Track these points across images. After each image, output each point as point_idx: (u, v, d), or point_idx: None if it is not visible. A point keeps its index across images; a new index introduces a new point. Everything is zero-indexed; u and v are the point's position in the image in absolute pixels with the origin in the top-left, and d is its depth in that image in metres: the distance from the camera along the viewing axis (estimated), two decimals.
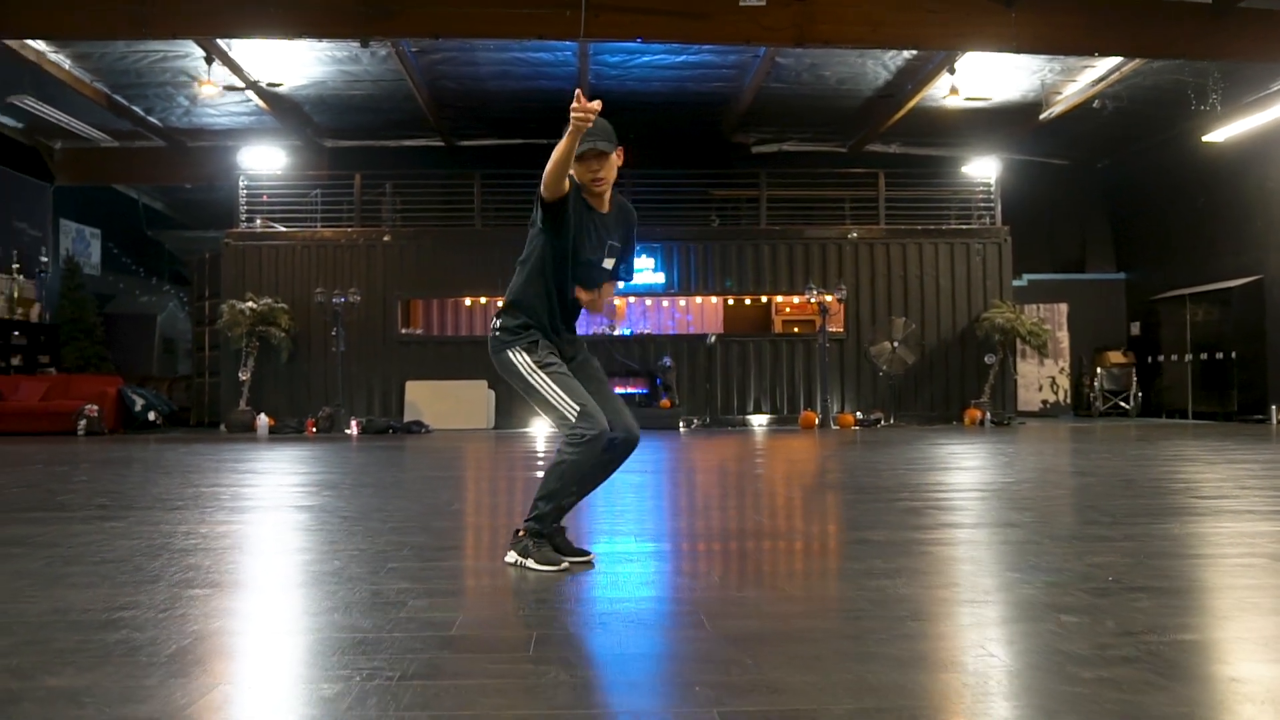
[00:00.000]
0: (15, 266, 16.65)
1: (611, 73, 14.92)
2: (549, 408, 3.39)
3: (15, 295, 16.63)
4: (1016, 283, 17.64)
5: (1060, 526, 4.35)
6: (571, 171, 3.36)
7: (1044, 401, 18.23)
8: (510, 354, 3.44)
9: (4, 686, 2.11)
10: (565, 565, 3.36)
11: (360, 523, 4.61)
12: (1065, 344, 18.31)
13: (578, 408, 3.32)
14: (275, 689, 2.14)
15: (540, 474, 3.42)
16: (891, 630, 2.52)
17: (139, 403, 14.57)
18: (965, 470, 7.40)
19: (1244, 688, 2.03)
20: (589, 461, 3.36)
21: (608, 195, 3.53)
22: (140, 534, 4.25)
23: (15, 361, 16.17)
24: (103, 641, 2.46)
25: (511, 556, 3.45)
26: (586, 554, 3.52)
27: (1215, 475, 6.64)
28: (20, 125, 16.56)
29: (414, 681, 2.11)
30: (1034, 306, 17.82)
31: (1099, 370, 17.74)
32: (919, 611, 2.75)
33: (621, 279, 3.72)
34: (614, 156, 3.46)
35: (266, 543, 4.18)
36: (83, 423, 13.57)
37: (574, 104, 3.09)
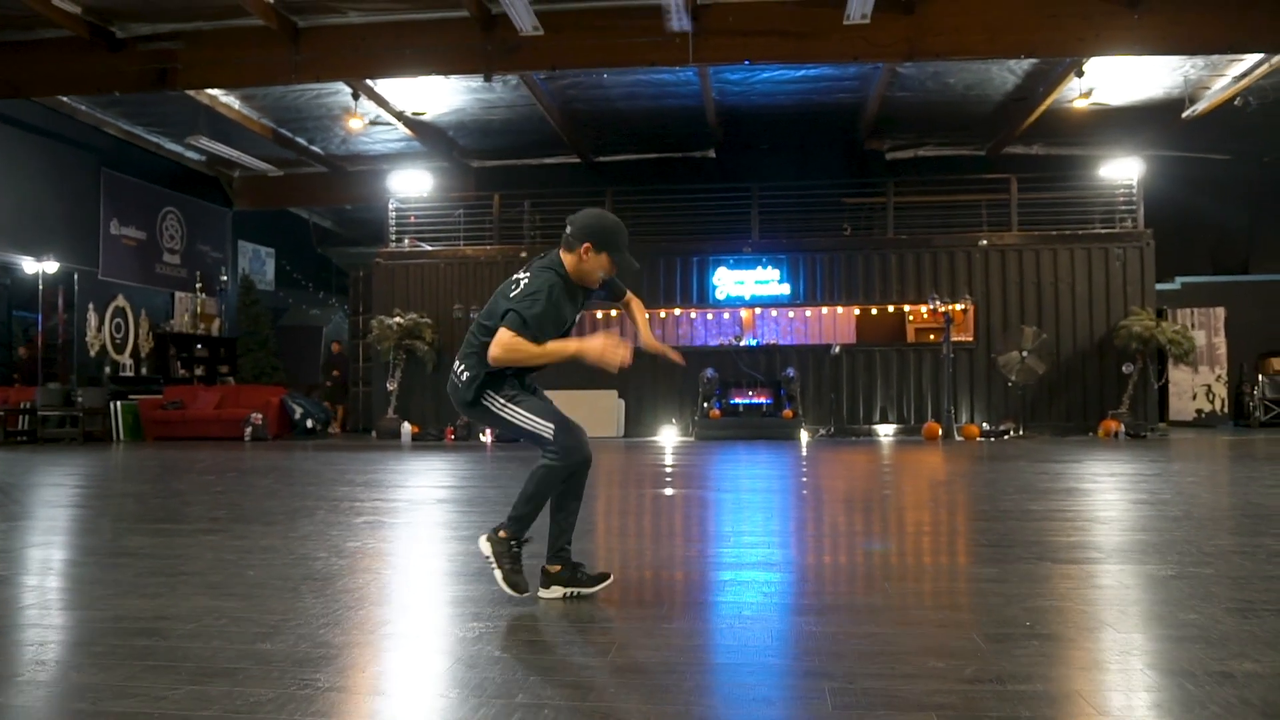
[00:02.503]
0: (198, 285, 18.46)
1: (735, 89, 15.26)
2: (526, 432, 3.69)
3: (199, 311, 18.45)
4: (1169, 286, 16.91)
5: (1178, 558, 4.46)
6: (585, 255, 3.64)
7: (1199, 411, 17.37)
8: (484, 402, 3.72)
9: (35, 677, 2.73)
10: (527, 592, 3.65)
11: (423, 542, 5.18)
12: (1223, 350, 17.37)
13: (552, 425, 3.64)
14: (234, 695, 2.67)
15: (524, 482, 3.70)
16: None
17: (298, 411, 15.94)
18: (1042, 495, 7.38)
19: None
20: (567, 468, 3.64)
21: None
22: (225, 548, 4.96)
23: (199, 372, 17.95)
24: (132, 646, 3.07)
25: (486, 549, 3.70)
26: (607, 576, 3.82)
27: None
28: (202, 159, 18.35)
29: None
30: (1186, 311, 17.02)
31: (1260, 378, 16.76)
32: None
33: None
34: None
35: (320, 562, 4.79)
36: (249, 429, 14.99)
37: (614, 351, 3.58)
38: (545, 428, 3.64)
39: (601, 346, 3.58)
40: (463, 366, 3.77)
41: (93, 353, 15.96)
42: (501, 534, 3.70)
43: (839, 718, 2.39)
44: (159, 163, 17.75)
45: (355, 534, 5.53)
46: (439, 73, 12.78)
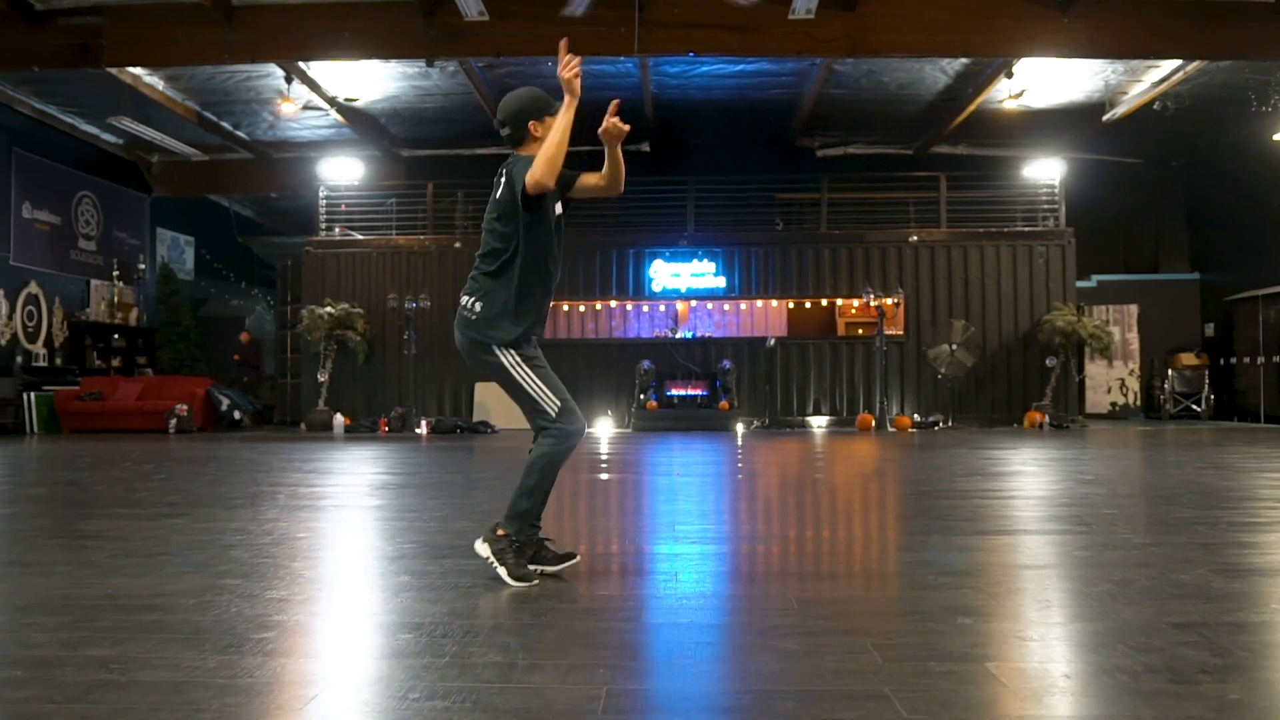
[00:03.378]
0: (115, 274, 17.80)
1: (673, 83, 15.31)
2: (530, 402, 3.50)
3: (116, 300, 17.79)
4: (1086, 284, 17.50)
5: (1105, 535, 4.59)
6: (537, 129, 3.57)
7: (1113, 404, 18.05)
8: (497, 352, 3.51)
9: (54, 654, 2.61)
10: (536, 580, 3.48)
11: (392, 522, 5.10)
12: (1135, 346, 18.09)
13: (559, 403, 3.49)
14: (268, 664, 2.60)
15: (522, 474, 3.53)
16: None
17: (225, 403, 15.49)
18: (996, 477, 7.59)
19: None
20: (566, 454, 3.52)
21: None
22: (195, 530, 4.81)
23: (115, 363, 17.31)
24: (140, 621, 2.96)
25: (485, 551, 3.51)
26: (573, 556, 3.69)
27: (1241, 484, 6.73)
28: (120, 141, 17.69)
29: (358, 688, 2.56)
30: (1103, 308, 17.66)
31: (1170, 372, 17.49)
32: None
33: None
34: None
35: (303, 540, 4.68)
36: (173, 421, 14.52)
37: (611, 119, 3.46)
38: (552, 405, 3.49)
39: (568, 81, 3.40)
40: (473, 299, 3.56)
41: (3, 341, 15.27)
42: (500, 532, 3.52)
43: (891, 670, 2.43)
44: (74, 145, 17.05)
45: (325, 516, 5.42)
46: (379, 57, 12.55)
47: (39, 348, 15.99)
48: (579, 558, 3.74)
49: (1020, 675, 2.38)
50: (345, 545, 4.54)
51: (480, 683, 2.35)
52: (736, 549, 4.34)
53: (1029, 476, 7.54)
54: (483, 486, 7.04)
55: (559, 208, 3.64)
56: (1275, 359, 15.82)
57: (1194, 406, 17.21)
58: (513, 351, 3.50)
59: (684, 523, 5.15)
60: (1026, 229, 16.56)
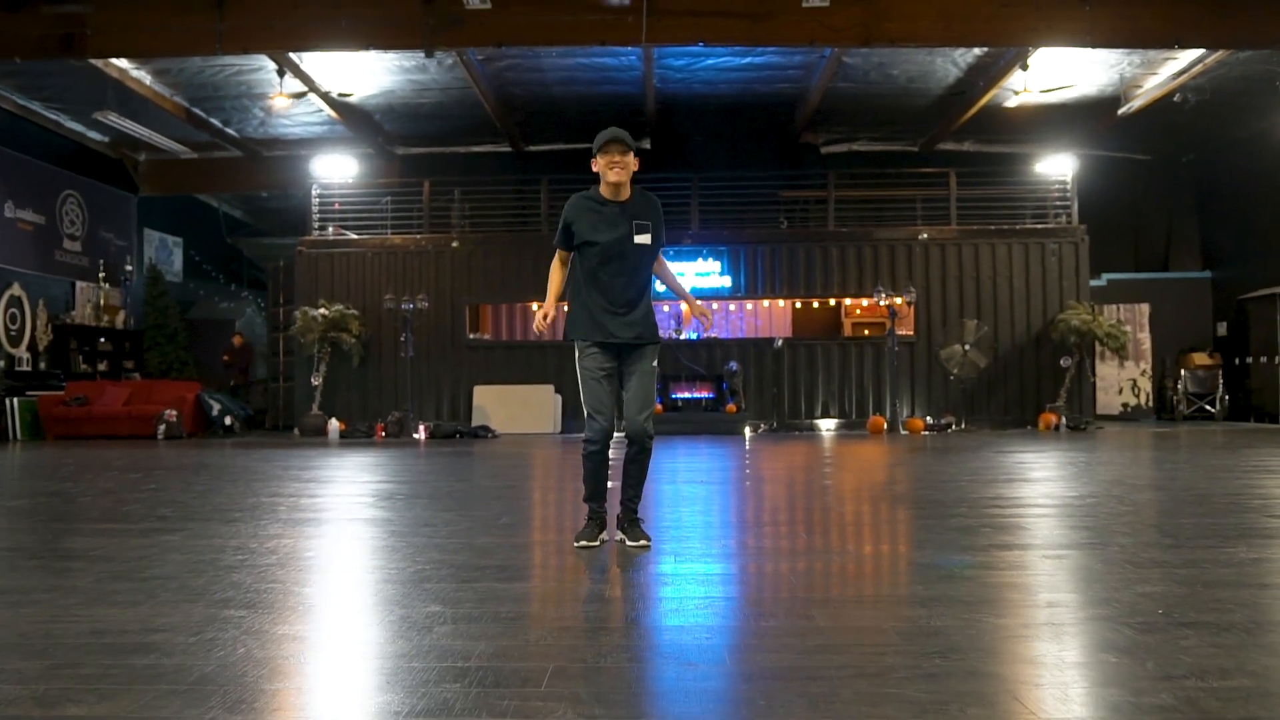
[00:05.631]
0: (101, 275, 17.26)
1: (677, 76, 14.88)
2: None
3: (102, 303, 17.25)
4: (1096, 283, 17.11)
5: (1117, 549, 4.17)
6: (595, 165, 4.19)
7: (1124, 405, 17.68)
8: (576, 350, 4.33)
9: (28, 714, 2.16)
10: (578, 544, 4.27)
11: (407, 538, 4.65)
12: (1147, 345, 17.72)
13: (587, 411, 4.23)
14: None
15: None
16: (915, 668, 2.44)
17: (216, 408, 14.97)
18: (1029, 482, 7.18)
19: None
20: (587, 455, 4.27)
21: (626, 186, 4.20)
22: (191, 549, 4.35)
23: (102, 367, 16.77)
24: (130, 666, 2.51)
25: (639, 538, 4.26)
26: (647, 542, 4.28)
27: None
28: (106, 139, 17.16)
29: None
30: (1114, 307, 17.28)
31: (1183, 372, 17.13)
32: (949, 647, 2.65)
33: (657, 248, 4.32)
34: (631, 157, 4.16)
35: (312, 559, 4.23)
36: (162, 427, 14.00)
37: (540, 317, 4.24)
38: (585, 412, 4.26)
39: (540, 313, 4.25)
40: None
41: None
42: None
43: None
44: (58, 142, 16.50)
45: (332, 531, 4.97)
46: (377, 47, 12.06)
47: (22, 351, 15.44)
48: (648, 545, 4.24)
49: None
50: (358, 565, 4.09)
51: None
52: (795, 566, 3.91)
53: (1084, 483, 7.11)
54: (498, 496, 6.57)
55: (643, 238, 4.22)
56: None
57: (1208, 407, 16.85)
58: (578, 358, 4.32)
59: (725, 535, 4.72)
60: (1039, 226, 16.17)
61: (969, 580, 3.55)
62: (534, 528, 5.32)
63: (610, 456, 4.33)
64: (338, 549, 4.48)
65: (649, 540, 4.28)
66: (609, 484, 4.38)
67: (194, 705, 2.20)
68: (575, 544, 4.25)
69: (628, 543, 4.26)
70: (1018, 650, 2.64)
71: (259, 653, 2.64)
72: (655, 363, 4.28)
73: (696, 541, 4.57)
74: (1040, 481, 7.21)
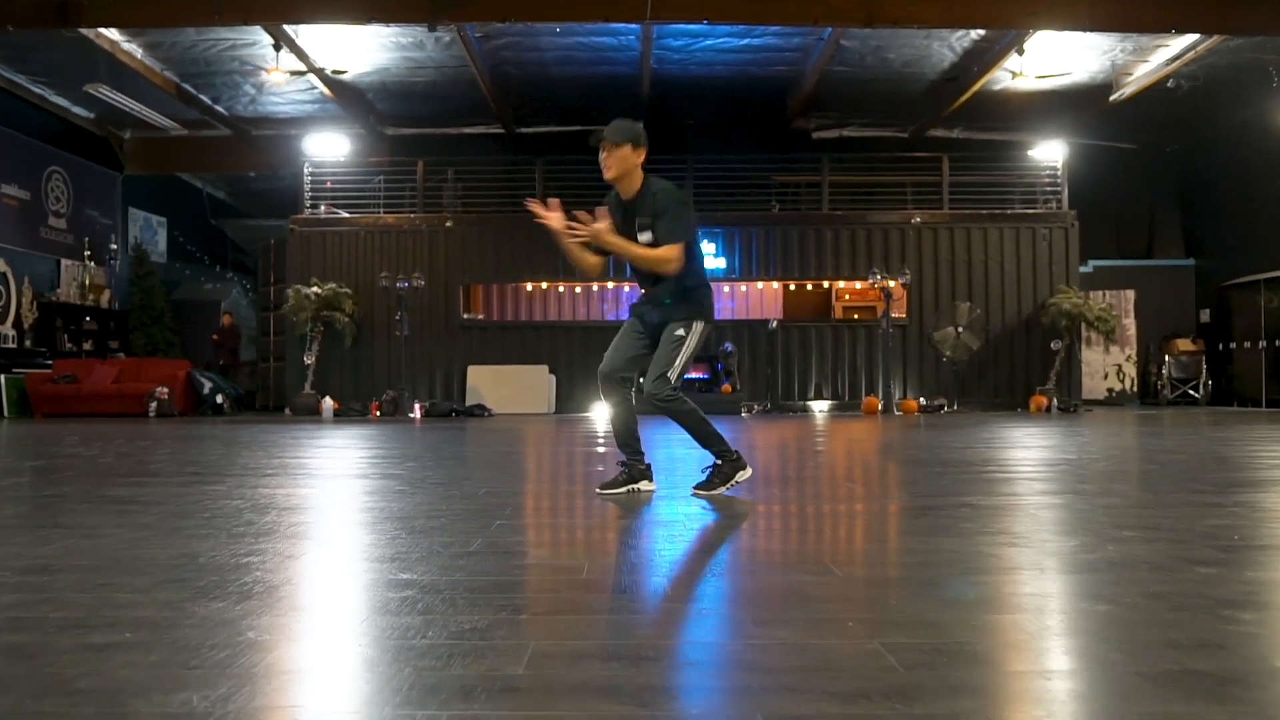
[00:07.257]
0: (86, 254, 17.04)
1: (674, 57, 14.88)
2: None
3: (87, 282, 17.03)
4: (1082, 269, 17.31)
5: (1165, 495, 4.24)
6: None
7: (1109, 390, 17.92)
8: None
9: (160, 615, 2.14)
10: (610, 490, 4.24)
11: (446, 488, 4.64)
12: (1132, 331, 17.96)
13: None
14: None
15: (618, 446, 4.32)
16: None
17: (208, 386, 14.84)
18: (1044, 449, 7.27)
19: None
20: (609, 403, 4.27)
21: (626, 181, 4.17)
22: (242, 495, 4.31)
23: (87, 346, 16.57)
24: (240, 581, 2.50)
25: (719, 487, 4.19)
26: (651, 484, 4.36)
27: None
28: (91, 115, 16.92)
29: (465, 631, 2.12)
30: (1100, 293, 17.49)
31: (1167, 358, 17.38)
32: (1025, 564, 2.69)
33: (663, 240, 4.17)
34: (625, 149, 4.07)
35: (368, 504, 4.22)
36: (154, 405, 13.86)
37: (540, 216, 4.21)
38: None
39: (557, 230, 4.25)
40: None
41: None
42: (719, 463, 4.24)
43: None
44: (43, 118, 16.26)
45: (377, 486, 4.94)
46: (380, 20, 11.97)
47: (8, 328, 15.22)
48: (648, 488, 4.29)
49: None
50: (414, 509, 4.07)
51: None
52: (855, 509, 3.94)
53: (1105, 448, 7.21)
54: (522, 460, 6.57)
55: (645, 235, 4.21)
56: (1276, 344, 15.73)
57: (1191, 392, 17.10)
58: None
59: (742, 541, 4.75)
60: (1030, 211, 16.34)
61: (1029, 517, 3.60)
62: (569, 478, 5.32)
63: (624, 411, 4.28)
64: (389, 497, 4.46)
65: (708, 489, 4.20)
66: (628, 437, 4.29)
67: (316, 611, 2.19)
68: (602, 491, 4.27)
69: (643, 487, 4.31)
70: (1128, 553, 2.69)
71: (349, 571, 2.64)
72: (682, 332, 4.20)
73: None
74: (1054, 448, 7.30)
